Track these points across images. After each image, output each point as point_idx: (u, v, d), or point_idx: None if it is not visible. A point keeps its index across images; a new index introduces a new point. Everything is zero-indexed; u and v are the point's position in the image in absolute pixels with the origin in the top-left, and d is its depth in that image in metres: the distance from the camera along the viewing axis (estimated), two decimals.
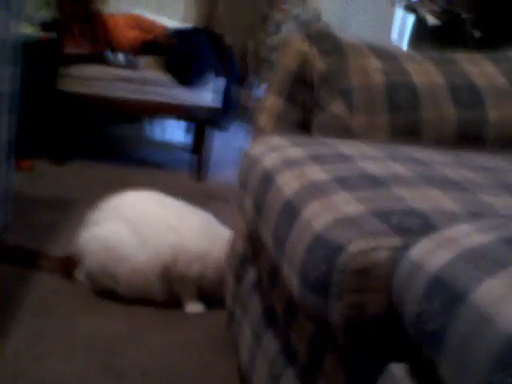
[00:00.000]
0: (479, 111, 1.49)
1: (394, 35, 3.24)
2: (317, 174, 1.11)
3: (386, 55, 1.55)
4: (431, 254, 0.77)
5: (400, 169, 1.14)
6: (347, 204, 0.96)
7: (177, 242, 1.87)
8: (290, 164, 1.19)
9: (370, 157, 1.21)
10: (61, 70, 3.14)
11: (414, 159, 1.24)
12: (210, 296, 1.95)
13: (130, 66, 3.19)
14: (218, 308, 1.92)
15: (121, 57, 3.19)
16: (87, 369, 1.61)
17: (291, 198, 1.06)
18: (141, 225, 1.89)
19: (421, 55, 1.59)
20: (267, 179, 1.19)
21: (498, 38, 2.12)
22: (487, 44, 2.04)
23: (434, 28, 2.34)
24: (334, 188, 1.03)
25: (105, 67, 3.17)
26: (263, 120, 1.57)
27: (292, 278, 0.96)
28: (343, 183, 1.05)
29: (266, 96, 1.59)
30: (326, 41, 1.54)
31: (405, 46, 3.13)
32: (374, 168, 1.12)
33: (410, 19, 3.01)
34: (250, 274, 1.55)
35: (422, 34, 2.43)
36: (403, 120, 1.46)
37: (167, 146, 3.93)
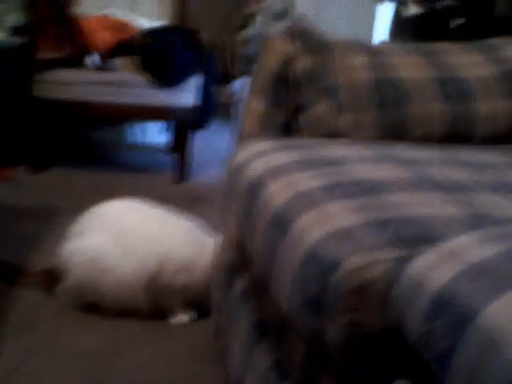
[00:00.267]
0: (468, 104, 1.45)
1: (377, 28, 3.20)
2: (306, 181, 1.06)
3: (372, 50, 1.50)
4: (433, 270, 0.73)
5: (392, 171, 1.09)
6: (340, 215, 0.91)
7: (161, 252, 1.82)
8: (277, 172, 1.14)
9: (360, 159, 1.17)
10: (36, 75, 3.07)
11: (406, 158, 1.19)
12: (196, 305, 1.90)
13: (106, 68, 3.12)
14: (203, 317, 1.87)
15: (96, 59, 3.12)
16: None
17: (281, 210, 1.01)
18: (125, 235, 1.83)
19: (405, 48, 1.55)
20: (254, 188, 1.14)
21: (481, 26, 2.09)
22: (470, 32, 2.01)
23: (415, 18, 2.30)
24: (325, 197, 0.98)
25: (81, 71, 3.10)
26: (247, 123, 1.52)
27: (284, 295, 0.91)
28: (335, 191, 1.00)
29: (248, 98, 1.54)
30: (309, 38, 1.49)
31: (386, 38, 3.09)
32: (365, 172, 1.08)
33: (387, 11, 2.98)
34: (238, 285, 1.50)
35: (402, 25, 2.38)
36: (391, 117, 1.42)
37: (148, 148, 3.87)
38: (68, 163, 3.42)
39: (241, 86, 4.89)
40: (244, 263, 1.47)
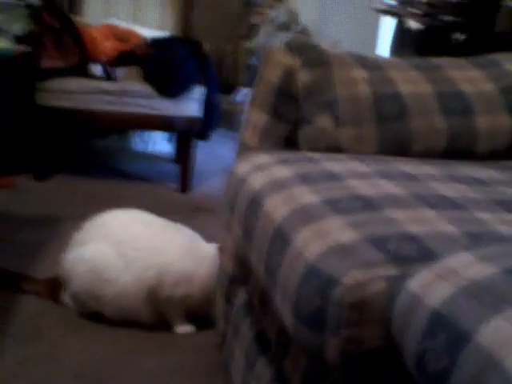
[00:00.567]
0: (468, 119, 1.46)
1: (381, 41, 3.21)
2: (306, 196, 1.07)
3: (371, 65, 1.52)
4: (431, 287, 0.74)
5: (392, 187, 1.10)
6: (340, 230, 0.93)
7: (161, 264, 1.83)
8: (277, 186, 1.15)
9: (360, 174, 1.18)
10: (39, 83, 3.08)
11: (404, 174, 1.21)
12: (198, 315, 1.91)
13: (109, 77, 3.14)
14: (206, 328, 1.88)
15: (98, 69, 3.13)
16: None
17: (281, 224, 1.02)
18: (127, 246, 1.84)
19: (406, 63, 1.56)
20: (255, 202, 1.15)
21: (482, 42, 2.10)
22: (471, 48, 2.02)
23: (417, 33, 2.32)
24: (325, 212, 0.99)
25: (83, 80, 3.11)
26: (248, 135, 1.53)
27: (285, 309, 0.92)
28: (334, 206, 1.01)
29: (249, 110, 1.55)
30: (309, 52, 1.50)
31: (385, 52, 3.10)
32: (364, 188, 1.09)
33: (389, 25, 2.99)
34: (241, 296, 1.51)
35: (404, 39, 2.40)
36: (391, 131, 1.43)
37: (150, 158, 3.88)
38: (71, 171, 3.43)
39: (244, 96, 4.90)
40: (244, 276, 1.48)
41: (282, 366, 1.15)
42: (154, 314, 1.87)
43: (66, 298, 1.95)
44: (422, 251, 0.85)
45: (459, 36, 2.18)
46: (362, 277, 0.81)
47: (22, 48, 3.16)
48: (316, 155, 1.33)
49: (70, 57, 3.12)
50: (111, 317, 1.87)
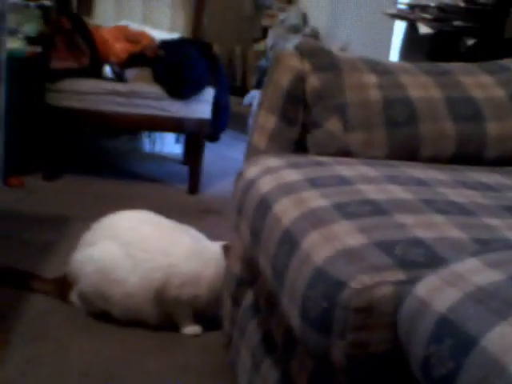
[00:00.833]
0: (478, 125, 1.46)
1: (393, 45, 3.20)
2: (315, 200, 1.08)
3: (381, 69, 1.52)
4: (438, 292, 0.74)
5: (401, 192, 1.11)
6: (348, 234, 0.93)
7: (168, 265, 1.84)
8: (286, 189, 1.15)
9: (369, 179, 1.18)
10: (50, 84, 3.10)
11: (413, 179, 1.21)
12: (205, 316, 1.92)
13: (119, 79, 3.15)
14: (213, 328, 1.88)
15: (109, 70, 3.15)
16: None
17: (290, 227, 1.02)
18: (134, 247, 1.85)
19: (416, 67, 1.56)
20: (264, 205, 1.16)
21: (491, 48, 2.10)
22: (481, 53, 2.02)
23: (427, 37, 2.32)
24: (334, 216, 1.00)
25: (94, 81, 3.13)
26: (257, 138, 1.53)
27: (292, 312, 0.93)
28: (343, 210, 1.02)
29: (258, 113, 1.56)
30: (319, 56, 1.50)
31: (395, 56, 3.10)
32: (373, 192, 1.09)
33: (399, 29, 2.98)
34: (248, 297, 1.52)
35: (414, 44, 2.40)
36: (401, 136, 1.43)
37: (159, 159, 3.89)
38: (81, 172, 3.44)
39: (253, 98, 4.91)
40: (252, 278, 1.49)
41: (289, 368, 1.16)
42: (161, 314, 1.88)
43: (74, 297, 1.96)
44: (430, 256, 0.85)
45: (469, 41, 2.18)
46: (370, 281, 0.82)
47: (33, 49, 3.18)
48: (325, 159, 1.33)
49: (81, 58, 3.14)
50: (119, 317, 1.88)
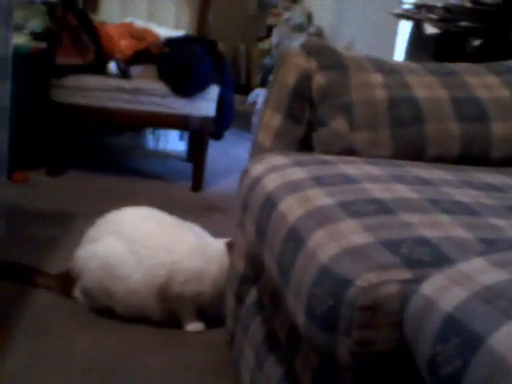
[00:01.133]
0: (483, 125, 1.47)
1: (398, 45, 3.20)
2: (321, 198, 1.08)
3: (387, 68, 1.52)
4: (445, 291, 0.74)
5: (406, 191, 1.11)
6: (354, 233, 0.93)
7: (172, 262, 1.84)
8: (292, 187, 1.16)
9: (374, 177, 1.19)
10: (55, 80, 3.11)
11: (419, 179, 1.21)
12: (208, 313, 1.92)
13: (124, 75, 3.15)
14: (216, 326, 1.89)
15: (114, 67, 3.15)
16: None
17: (295, 225, 1.03)
18: (138, 243, 1.86)
19: (422, 67, 1.56)
20: (269, 203, 1.16)
21: (497, 48, 2.10)
22: (487, 54, 2.02)
23: (433, 37, 2.32)
24: (340, 214, 1.00)
25: (99, 78, 3.13)
26: (262, 136, 1.54)
27: (297, 310, 0.93)
28: (349, 209, 1.02)
29: (264, 111, 1.56)
30: (325, 55, 1.50)
31: (399, 56, 3.10)
32: (379, 191, 1.10)
33: (404, 29, 2.98)
34: (252, 295, 1.52)
35: (419, 44, 2.40)
36: (406, 136, 1.43)
37: (163, 156, 3.90)
38: (85, 168, 3.45)
39: (257, 97, 4.91)
40: (255, 275, 1.49)
41: (292, 365, 1.16)
42: (165, 311, 1.89)
43: (77, 293, 1.96)
44: (436, 256, 0.86)
45: (475, 42, 2.18)
46: (376, 279, 0.82)
47: (38, 44, 3.18)
48: (330, 158, 1.33)
49: (86, 54, 3.14)
50: (122, 313, 1.88)
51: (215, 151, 3.63)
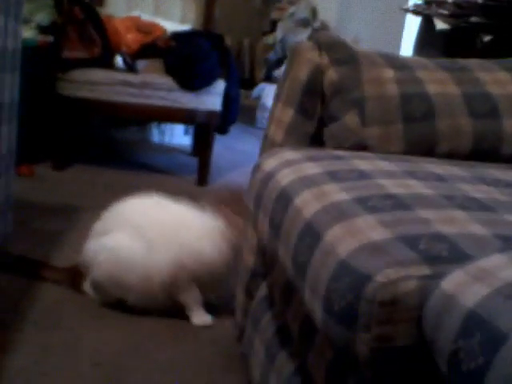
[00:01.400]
0: (494, 121, 1.46)
1: (405, 40, 3.20)
2: (336, 193, 1.08)
3: (399, 64, 1.52)
4: (466, 287, 0.74)
5: (421, 187, 1.11)
6: (372, 228, 0.93)
7: (180, 246, 1.85)
8: (307, 182, 1.16)
9: (388, 173, 1.18)
10: (61, 74, 3.10)
11: (432, 175, 1.21)
12: (217, 306, 1.93)
13: (131, 69, 3.15)
14: (224, 320, 1.89)
15: (121, 60, 3.15)
16: None
17: (312, 220, 1.02)
18: (147, 232, 1.86)
19: (433, 63, 1.56)
20: (284, 198, 1.16)
21: (508, 44, 2.09)
22: (497, 49, 2.02)
23: (442, 33, 2.31)
24: (357, 210, 1.00)
25: (106, 71, 3.13)
26: (273, 131, 1.54)
27: (315, 305, 0.93)
28: (365, 205, 1.02)
29: (275, 106, 1.56)
30: (337, 49, 1.50)
31: (407, 51, 3.09)
32: (394, 187, 1.09)
33: (411, 24, 2.98)
34: (262, 290, 1.52)
35: (429, 39, 2.39)
36: (418, 131, 1.43)
37: (168, 150, 3.90)
38: (90, 161, 3.45)
39: (260, 91, 4.91)
40: (266, 270, 1.49)
41: (305, 360, 1.16)
42: (173, 303, 1.89)
43: (86, 287, 1.97)
44: (454, 252, 0.85)
45: (486, 38, 2.17)
46: (395, 275, 0.82)
47: (44, 38, 3.18)
48: (343, 153, 1.33)
49: (93, 48, 3.14)
50: (134, 304, 1.88)
51: (220, 145, 3.63)
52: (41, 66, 3.12)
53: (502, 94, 1.50)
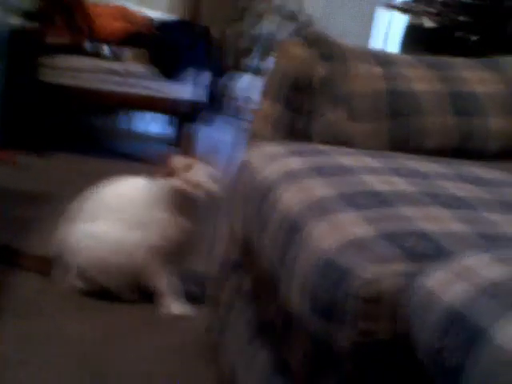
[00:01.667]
0: (480, 120, 1.48)
1: (377, 36, 3.21)
2: (319, 189, 1.09)
3: (386, 61, 1.53)
4: (449, 285, 0.75)
5: (404, 184, 1.12)
6: (356, 225, 0.94)
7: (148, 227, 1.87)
8: (292, 177, 1.16)
9: (372, 170, 1.19)
10: (43, 60, 3.08)
11: (415, 172, 1.22)
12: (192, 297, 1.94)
13: (114, 57, 3.14)
14: (203, 307, 1.89)
15: (105, 48, 3.13)
16: (74, 374, 1.58)
17: (294, 215, 1.03)
18: (124, 214, 1.87)
19: (420, 61, 1.58)
20: (269, 192, 1.16)
21: (494, 43, 2.11)
22: (483, 48, 2.04)
23: (429, 31, 2.33)
24: (339, 206, 1.01)
25: (88, 58, 3.12)
26: (259, 125, 1.54)
27: (298, 299, 0.94)
28: (347, 201, 1.03)
29: (262, 100, 1.56)
30: (325, 45, 1.51)
31: (391, 48, 3.11)
32: (377, 184, 1.10)
33: (397, 21, 2.99)
34: (240, 282, 1.52)
35: (415, 37, 2.41)
36: (404, 128, 1.45)
37: (151, 139, 3.88)
38: (69, 149, 3.42)
39: (231, 80, 4.86)
40: (250, 262, 1.49)
41: (283, 354, 1.17)
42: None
43: (68, 275, 1.95)
44: (438, 249, 0.87)
45: (472, 37, 2.19)
46: (379, 272, 0.83)
47: (27, 23, 3.15)
48: (329, 148, 1.34)
49: (77, 34, 3.12)
50: (116, 291, 1.89)
51: (203, 136, 3.62)
52: (23, 51, 3.09)
53: (486, 92, 1.52)
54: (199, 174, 1.82)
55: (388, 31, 3.37)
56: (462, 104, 1.49)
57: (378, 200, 1.04)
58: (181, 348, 1.76)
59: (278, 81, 1.51)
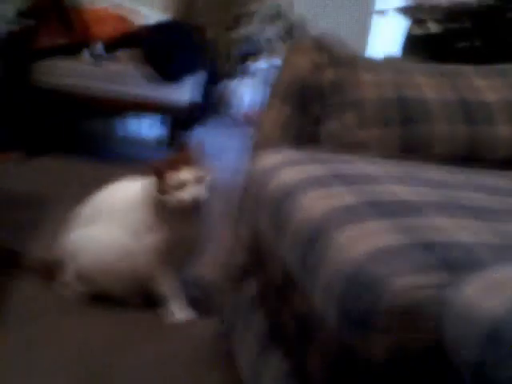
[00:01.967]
0: (489, 128, 1.48)
1: (373, 40, 3.21)
2: (343, 196, 1.07)
3: (397, 68, 1.53)
4: (488, 297, 0.74)
5: (424, 194, 1.11)
6: (386, 232, 0.93)
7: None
8: (311, 183, 1.15)
9: (392, 178, 1.19)
10: (36, 62, 3.04)
11: (434, 181, 1.22)
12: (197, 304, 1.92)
13: (109, 58, 3.10)
14: (207, 313, 1.87)
15: (99, 49, 3.10)
16: (76, 379, 1.55)
17: (322, 222, 1.02)
18: (125, 216, 1.85)
19: (431, 68, 1.57)
20: (288, 197, 1.15)
21: (495, 50, 2.12)
22: (487, 55, 2.04)
23: (429, 36, 2.33)
24: (366, 214, 1.00)
25: (81, 61, 3.08)
26: (268, 128, 1.53)
27: (327, 307, 0.92)
28: (373, 209, 1.01)
29: (270, 103, 1.55)
30: (337, 50, 1.50)
31: (388, 52, 3.10)
32: (399, 192, 1.10)
33: (395, 27, 2.99)
34: (250, 288, 1.51)
35: (415, 42, 2.41)
36: (414, 135, 1.44)
37: (145, 141, 3.85)
38: (63, 151, 3.39)
39: (235, 85, 4.87)
40: (260, 267, 1.48)
41: (304, 360, 1.15)
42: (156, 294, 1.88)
43: (68, 279, 1.92)
44: (472, 260, 0.86)
45: (476, 42, 2.20)
46: (414, 281, 0.82)
47: (18, 26, 3.11)
48: (345, 156, 1.33)
49: (69, 36, 3.09)
50: (119, 295, 1.87)
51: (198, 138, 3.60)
52: (14, 54, 3.05)
53: (496, 100, 1.52)
54: (190, 177, 1.78)
55: (386, 37, 3.38)
56: (471, 112, 1.49)
57: (403, 209, 1.03)
58: (184, 353, 1.73)
59: (287, 83, 1.49)
